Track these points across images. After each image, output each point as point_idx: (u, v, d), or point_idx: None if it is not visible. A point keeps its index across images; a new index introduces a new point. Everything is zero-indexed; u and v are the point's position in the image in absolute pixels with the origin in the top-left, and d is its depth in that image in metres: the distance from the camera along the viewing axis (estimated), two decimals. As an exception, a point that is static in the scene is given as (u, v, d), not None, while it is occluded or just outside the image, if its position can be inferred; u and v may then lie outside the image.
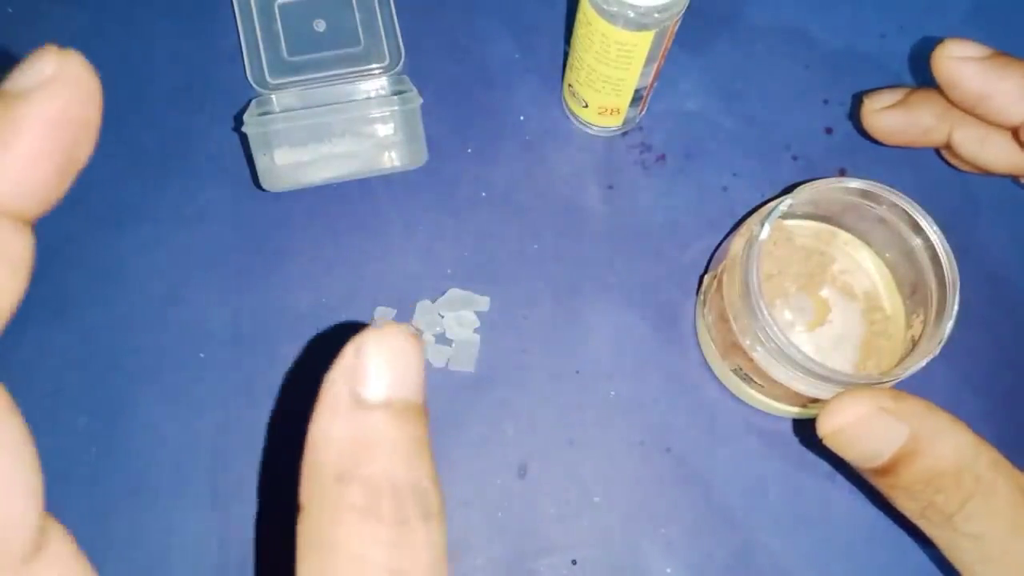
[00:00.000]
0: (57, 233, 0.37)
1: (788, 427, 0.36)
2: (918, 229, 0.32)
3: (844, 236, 0.36)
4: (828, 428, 0.27)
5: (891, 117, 0.36)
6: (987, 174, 0.37)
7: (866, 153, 0.40)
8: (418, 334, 0.18)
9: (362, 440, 0.17)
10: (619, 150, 0.39)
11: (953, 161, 0.38)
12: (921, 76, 0.41)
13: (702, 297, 0.36)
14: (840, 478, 0.36)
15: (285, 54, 0.38)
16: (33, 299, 0.38)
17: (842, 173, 0.39)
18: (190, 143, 0.39)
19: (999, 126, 0.34)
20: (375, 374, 0.18)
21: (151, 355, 0.36)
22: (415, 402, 0.18)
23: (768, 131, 0.40)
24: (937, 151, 0.39)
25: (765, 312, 0.30)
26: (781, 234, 0.36)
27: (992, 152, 0.35)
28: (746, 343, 0.32)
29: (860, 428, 0.27)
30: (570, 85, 0.37)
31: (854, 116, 0.40)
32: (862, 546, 0.35)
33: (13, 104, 0.16)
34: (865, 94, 0.37)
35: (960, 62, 0.33)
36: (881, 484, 0.28)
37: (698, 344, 0.37)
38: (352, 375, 0.18)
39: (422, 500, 0.18)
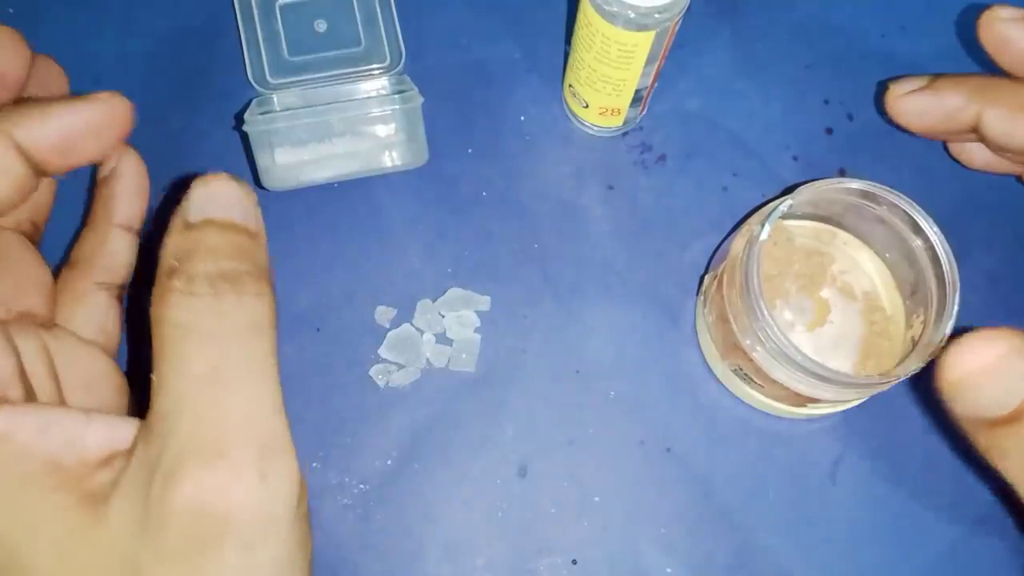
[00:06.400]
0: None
1: (788, 427, 0.36)
2: (918, 229, 0.32)
3: (844, 236, 0.36)
4: (955, 373, 0.24)
5: (918, 99, 0.35)
6: (993, 172, 0.37)
7: (866, 153, 0.40)
8: (243, 181, 0.25)
9: (186, 247, 0.23)
10: (619, 150, 0.39)
11: (961, 157, 0.38)
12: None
13: (702, 297, 0.36)
14: (840, 478, 0.36)
15: (286, 54, 0.38)
16: (33, 299, 0.37)
17: (842, 173, 0.39)
18: (190, 143, 0.39)
19: None
20: (195, 203, 0.24)
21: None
22: (237, 222, 0.24)
23: (768, 131, 0.40)
24: (945, 149, 0.39)
25: (765, 312, 0.30)
26: (781, 234, 0.36)
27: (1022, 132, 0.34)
28: (746, 343, 0.32)
29: (991, 372, 0.24)
30: (571, 85, 0.37)
31: (854, 116, 0.40)
32: (862, 546, 0.35)
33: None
34: (889, 81, 0.36)
35: (1010, 23, 0.32)
36: (988, 438, 0.25)
37: (698, 344, 0.37)
38: (183, 208, 0.24)
39: (237, 282, 0.23)
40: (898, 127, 0.37)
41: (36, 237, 0.31)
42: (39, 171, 0.26)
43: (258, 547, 0.21)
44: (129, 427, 0.24)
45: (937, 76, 0.35)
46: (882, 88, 0.36)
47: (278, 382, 0.23)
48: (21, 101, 0.27)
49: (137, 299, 0.36)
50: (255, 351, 0.23)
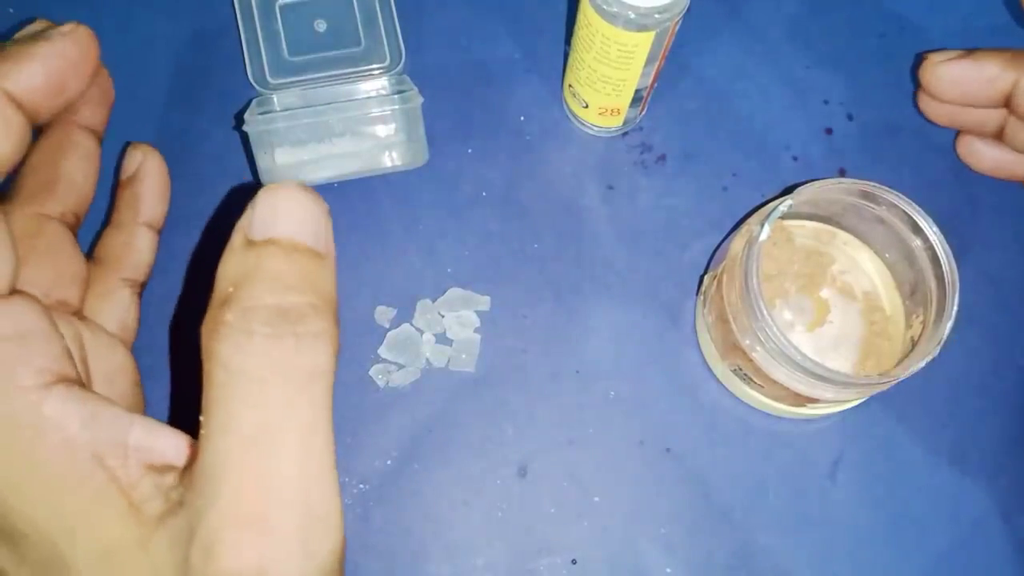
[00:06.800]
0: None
1: (788, 427, 0.36)
2: (918, 230, 0.32)
3: (844, 236, 0.36)
4: None
5: (956, 66, 0.35)
6: (999, 177, 0.38)
7: (866, 153, 0.40)
8: (315, 192, 0.22)
9: (244, 271, 0.21)
10: (619, 150, 0.39)
11: (969, 159, 0.38)
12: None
13: (702, 297, 0.36)
14: (840, 478, 0.36)
15: (286, 54, 0.38)
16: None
17: (842, 173, 0.39)
18: (190, 143, 0.39)
19: None
20: (260, 218, 0.21)
21: (152, 355, 0.36)
22: (303, 243, 0.21)
23: (768, 131, 0.40)
24: (955, 151, 0.39)
25: (765, 312, 0.30)
26: (781, 234, 0.36)
27: None
28: (746, 343, 0.32)
29: None
30: (570, 85, 0.37)
31: (854, 116, 0.40)
32: (862, 546, 0.35)
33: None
34: (925, 53, 0.37)
35: None
36: None
37: (698, 344, 0.37)
38: (245, 223, 0.21)
39: (299, 321, 0.20)
40: (923, 114, 0.37)
41: (76, 229, 0.31)
42: (32, 119, 0.25)
43: None
44: (168, 437, 0.22)
45: (973, 49, 0.36)
46: (918, 60, 0.37)
47: (330, 432, 0.21)
48: None
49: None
50: (309, 403, 0.21)
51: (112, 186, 0.36)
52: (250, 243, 0.21)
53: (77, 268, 0.31)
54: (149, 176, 0.34)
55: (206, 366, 0.20)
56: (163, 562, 0.20)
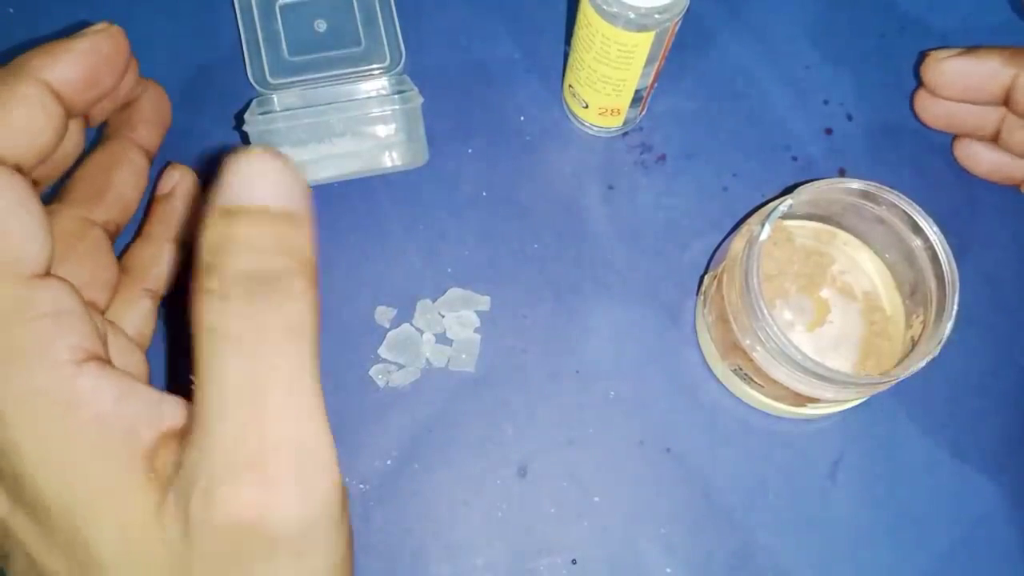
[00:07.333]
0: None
1: (788, 427, 0.36)
2: (918, 230, 0.32)
3: (844, 236, 0.36)
4: None
5: (959, 61, 0.36)
6: (995, 181, 0.38)
7: (866, 153, 0.40)
8: (285, 156, 0.23)
9: (222, 239, 0.22)
10: (619, 150, 0.39)
11: (967, 162, 0.38)
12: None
13: (702, 297, 0.36)
14: (840, 478, 0.36)
15: (286, 54, 0.38)
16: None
17: (842, 173, 0.39)
18: (190, 143, 0.39)
19: None
20: (232, 184, 0.22)
21: (153, 356, 0.36)
22: (275, 208, 0.22)
23: (768, 131, 0.40)
24: (952, 150, 0.39)
25: (765, 312, 0.30)
26: (781, 234, 0.36)
27: None
28: (746, 343, 0.32)
29: None
30: (570, 85, 0.37)
31: (854, 116, 0.40)
32: (862, 546, 0.35)
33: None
34: (926, 52, 0.37)
35: None
36: None
37: (698, 344, 0.37)
38: (218, 190, 0.22)
39: (273, 283, 0.21)
40: (920, 119, 0.37)
41: (114, 239, 0.33)
42: (69, 111, 0.26)
43: (305, 557, 0.21)
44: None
45: (974, 46, 0.36)
46: (920, 58, 0.38)
47: (317, 387, 0.22)
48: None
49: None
50: (294, 353, 0.22)
51: (147, 201, 0.36)
52: (224, 211, 0.22)
53: (110, 275, 0.32)
54: (184, 196, 0.36)
55: (194, 333, 0.22)
56: (171, 524, 0.21)
